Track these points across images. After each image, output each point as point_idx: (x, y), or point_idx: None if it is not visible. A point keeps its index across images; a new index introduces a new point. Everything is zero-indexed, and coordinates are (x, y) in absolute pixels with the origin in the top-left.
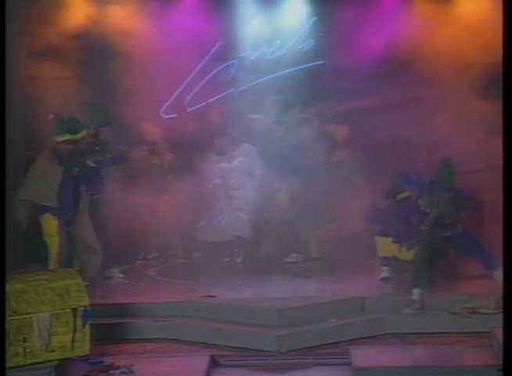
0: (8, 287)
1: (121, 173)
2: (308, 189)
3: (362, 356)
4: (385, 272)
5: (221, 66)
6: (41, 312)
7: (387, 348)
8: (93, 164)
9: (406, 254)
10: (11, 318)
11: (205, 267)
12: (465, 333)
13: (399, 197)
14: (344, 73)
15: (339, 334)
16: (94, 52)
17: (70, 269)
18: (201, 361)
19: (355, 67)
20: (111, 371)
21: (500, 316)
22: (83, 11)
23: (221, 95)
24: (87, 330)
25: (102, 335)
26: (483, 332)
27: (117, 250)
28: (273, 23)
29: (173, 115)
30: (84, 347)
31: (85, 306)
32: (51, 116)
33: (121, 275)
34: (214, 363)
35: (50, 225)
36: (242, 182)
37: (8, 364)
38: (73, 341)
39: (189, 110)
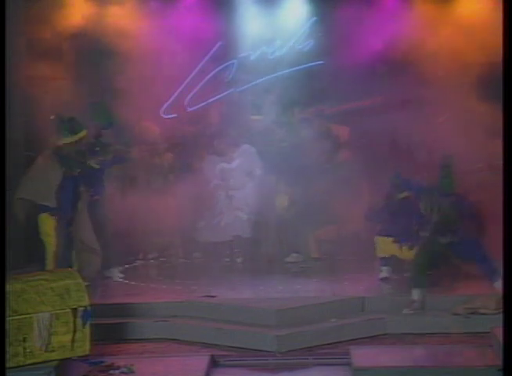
0: (8, 287)
1: (121, 173)
2: (307, 189)
3: (362, 356)
4: (385, 272)
5: (221, 66)
6: (41, 312)
7: (387, 348)
8: (96, 166)
9: (407, 253)
10: (11, 318)
11: (205, 267)
12: (465, 333)
13: (400, 196)
14: (344, 73)
15: (339, 334)
16: (94, 52)
17: (69, 269)
18: (201, 361)
19: (355, 67)
20: (111, 371)
21: (500, 316)
22: (83, 11)
23: (221, 95)
24: (87, 330)
25: (102, 335)
26: (483, 332)
27: (117, 250)
28: (273, 23)
29: (173, 115)
30: (84, 347)
31: (85, 306)
32: (52, 117)
33: (121, 275)
34: (214, 363)
35: (47, 224)
36: (242, 182)
37: (8, 364)
38: (73, 341)
39: (189, 110)
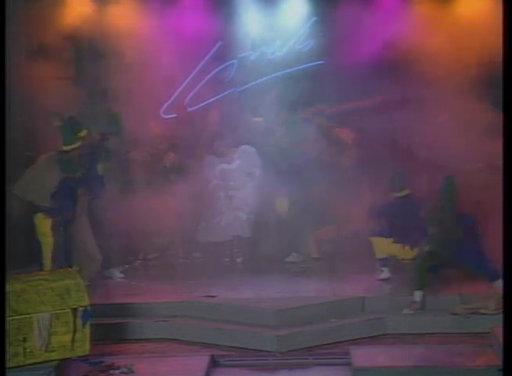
0: (8, 287)
1: (121, 173)
2: (307, 189)
3: (362, 356)
4: (386, 272)
5: (221, 66)
6: (41, 312)
7: (387, 348)
8: (99, 172)
9: (408, 253)
10: (11, 318)
11: (205, 267)
12: (465, 333)
13: (402, 193)
14: (344, 73)
15: (339, 334)
16: (94, 52)
17: (69, 269)
18: (201, 361)
19: (355, 67)
20: (111, 371)
21: (500, 316)
22: (83, 11)
23: (221, 95)
24: (87, 330)
25: (102, 335)
26: (483, 332)
27: (117, 250)
28: (273, 23)
29: (173, 115)
30: (84, 347)
31: (85, 306)
32: (57, 123)
33: (121, 275)
34: (214, 363)
35: (44, 224)
36: (242, 182)
37: (8, 364)
38: (73, 341)
39: (189, 110)
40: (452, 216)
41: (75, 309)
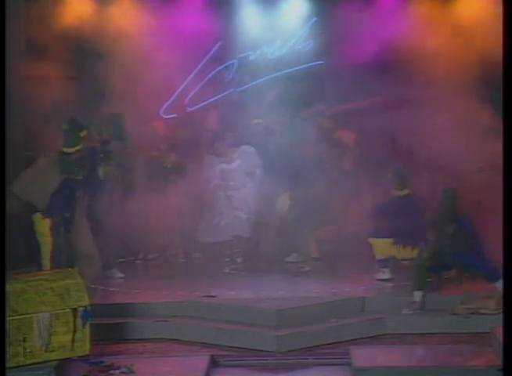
0: (8, 287)
1: (122, 173)
2: (307, 189)
3: (362, 356)
4: (386, 273)
5: (221, 66)
6: (41, 312)
7: (387, 348)
8: (100, 176)
9: (409, 253)
10: (11, 318)
11: (205, 267)
12: (465, 333)
13: (404, 192)
14: (344, 73)
15: (339, 334)
16: (94, 52)
17: (69, 269)
18: (201, 361)
19: (355, 67)
20: (111, 371)
21: (500, 316)
22: (83, 11)
23: (221, 95)
24: (87, 330)
25: (102, 335)
26: (483, 332)
27: (117, 250)
28: (273, 23)
29: (173, 115)
30: (84, 347)
31: (85, 306)
32: (67, 127)
33: (121, 275)
34: (214, 363)
35: (42, 224)
36: (242, 182)
37: (8, 364)
38: (73, 341)
39: (189, 110)
40: (454, 227)
41: (75, 309)
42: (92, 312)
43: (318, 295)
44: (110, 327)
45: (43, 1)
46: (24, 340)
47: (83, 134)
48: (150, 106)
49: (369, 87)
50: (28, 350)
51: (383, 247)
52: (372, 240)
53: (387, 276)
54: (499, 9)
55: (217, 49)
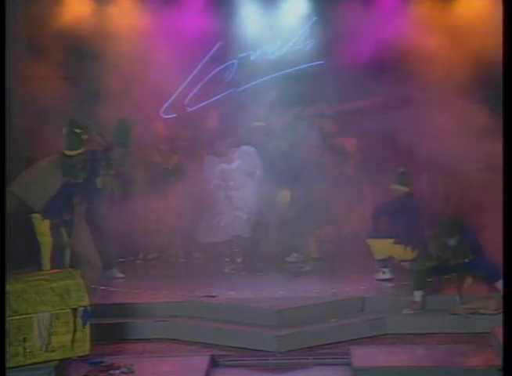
0: (8, 287)
1: (122, 177)
2: (307, 189)
3: (362, 356)
4: (387, 273)
5: (221, 66)
6: (41, 312)
7: (387, 348)
8: (99, 186)
9: (410, 254)
10: (11, 318)
11: (205, 267)
12: (465, 333)
13: (403, 188)
14: (344, 73)
15: (339, 334)
16: (94, 52)
17: (69, 269)
18: (201, 361)
19: (355, 67)
20: (111, 371)
21: (500, 316)
22: (83, 11)
23: (221, 95)
24: (87, 330)
25: (102, 335)
26: (483, 332)
27: (118, 250)
28: (273, 23)
29: (173, 115)
30: (84, 347)
31: (85, 306)
32: (76, 130)
33: (122, 275)
34: (214, 363)
35: (42, 224)
36: (242, 182)
37: (8, 364)
38: (73, 341)
39: (189, 110)
40: (457, 239)
41: (75, 309)
42: (92, 312)
43: (318, 295)
44: (110, 327)
45: (43, 1)
46: (24, 340)
47: (85, 137)
48: (150, 106)
49: (369, 87)
50: (28, 350)
51: (382, 247)
52: (371, 241)
53: (387, 276)
54: (499, 9)
55: (217, 49)
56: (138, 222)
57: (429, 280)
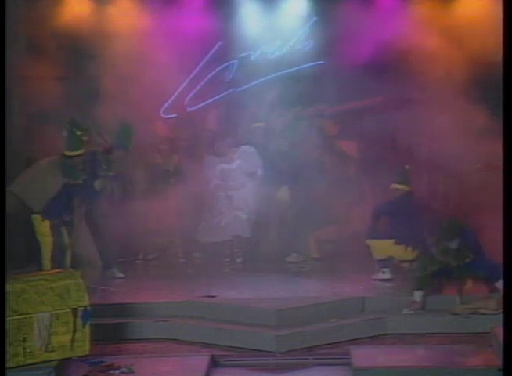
0: (8, 287)
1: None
2: (307, 189)
3: (362, 356)
4: (387, 273)
5: (221, 66)
6: (41, 312)
7: (387, 348)
8: (97, 188)
9: (410, 254)
10: (11, 318)
11: (205, 267)
12: (465, 333)
13: (403, 187)
14: (344, 73)
15: (339, 334)
16: (94, 52)
17: (69, 269)
18: (201, 361)
19: (355, 67)
20: (111, 371)
21: (500, 316)
22: (83, 11)
23: (221, 95)
24: (87, 330)
25: (102, 335)
26: (483, 332)
27: (117, 250)
28: (273, 23)
29: (173, 115)
30: (84, 347)
31: (85, 306)
32: (78, 132)
33: (122, 275)
34: (214, 363)
35: (42, 224)
36: (242, 182)
37: (8, 364)
38: (73, 341)
39: (189, 110)
40: (457, 242)
41: (75, 309)
42: (92, 312)
43: (318, 295)
44: (110, 327)
45: (43, 1)
46: (24, 340)
47: (85, 138)
48: (150, 106)
49: (369, 87)
50: (28, 350)
51: (382, 247)
52: (371, 242)
53: (387, 276)
54: (499, 9)
55: (217, 49)
56: (138, 222)
57: (431, 283)
